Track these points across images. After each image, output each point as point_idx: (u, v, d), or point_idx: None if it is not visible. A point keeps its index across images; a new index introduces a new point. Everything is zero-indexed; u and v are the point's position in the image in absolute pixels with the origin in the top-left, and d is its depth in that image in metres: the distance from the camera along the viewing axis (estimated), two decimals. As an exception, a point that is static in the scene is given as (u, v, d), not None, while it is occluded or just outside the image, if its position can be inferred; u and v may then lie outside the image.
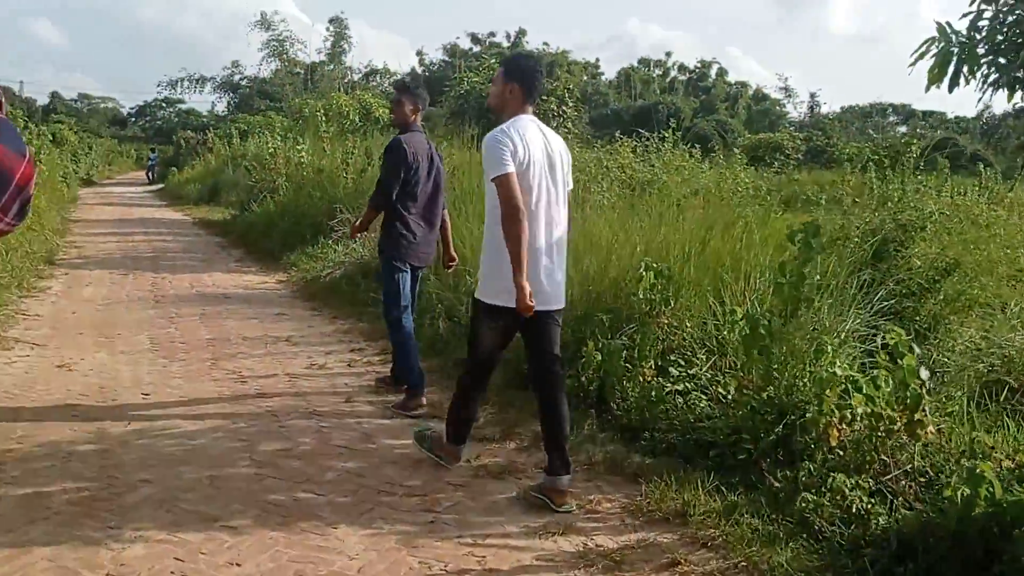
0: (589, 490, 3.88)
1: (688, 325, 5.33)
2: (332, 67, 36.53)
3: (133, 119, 72.35)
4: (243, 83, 43.79)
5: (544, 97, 12.32)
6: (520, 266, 3.48)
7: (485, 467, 4.17)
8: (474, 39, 54.35)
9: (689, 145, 13.21)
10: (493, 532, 3.47)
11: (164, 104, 64.50)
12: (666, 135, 12.36)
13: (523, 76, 3.80)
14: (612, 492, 3.88)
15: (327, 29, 36.85)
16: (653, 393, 4.61)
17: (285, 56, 35.72)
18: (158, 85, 50.74)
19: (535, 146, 3.67)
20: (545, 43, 53.37)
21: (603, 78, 60.02)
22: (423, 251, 5.25)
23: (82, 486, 3.75)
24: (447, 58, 54.34)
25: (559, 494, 3.68)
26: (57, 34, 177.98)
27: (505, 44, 52.73)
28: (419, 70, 51.81)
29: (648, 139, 12.48)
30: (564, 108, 12.69)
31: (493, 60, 16.54)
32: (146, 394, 5.26)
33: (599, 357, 4.98)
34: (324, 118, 14.28)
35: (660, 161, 11.90)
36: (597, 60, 52.89)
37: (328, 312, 8.00)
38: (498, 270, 3.62)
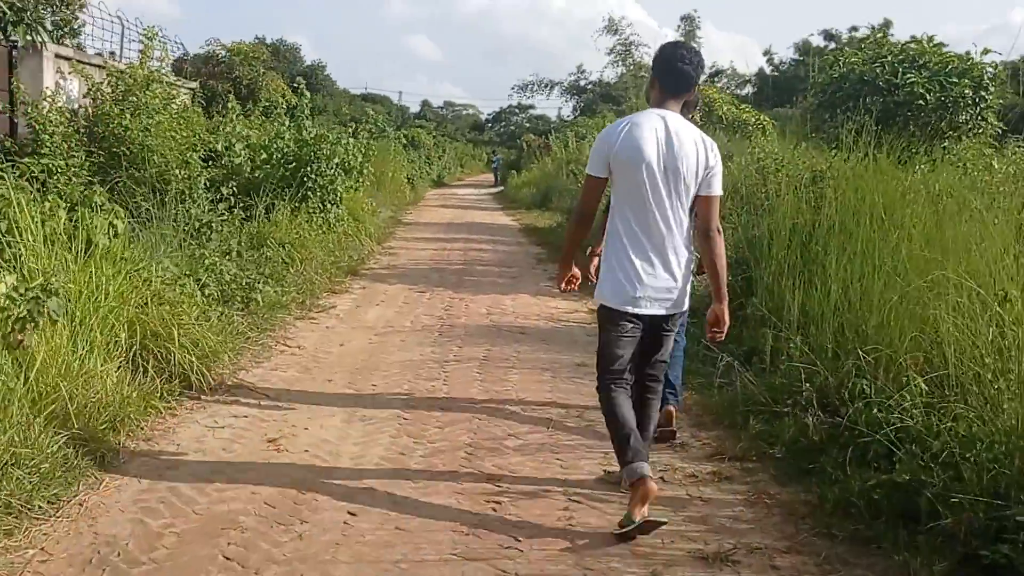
0: None
1: None
2: (680, 67, 34.60)
3: (490, 124, 76.36)
4: (588, 87, 43.45)
5: (948, 81, 9.03)
6: (567, 255, 3.63)
7: None
8: (828, 35, 48.88)
9: None
10: None
11: (517, 110, 67.07)
12: None
13: (659, 66, 3.47)
14: None
15: (676, 28, 34.81)
16: None
17: (630, 59, 34.42)
18: (511, 88, 52.49)
19: (646, 143, 3.31)
20: (912, 36, 46.19)
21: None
22: None
23: None
24: (798, 57, 49.57)
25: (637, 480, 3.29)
26: (432, 48, 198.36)
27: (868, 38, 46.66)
28: (767, 70, 47.92)
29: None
30: (983, 94, 9.25)
31: (880, 35, 13.25)
32: (353, 514, 3.49)
33: None
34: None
35: None
36: (968, 53, 43.54)
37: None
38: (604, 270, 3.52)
